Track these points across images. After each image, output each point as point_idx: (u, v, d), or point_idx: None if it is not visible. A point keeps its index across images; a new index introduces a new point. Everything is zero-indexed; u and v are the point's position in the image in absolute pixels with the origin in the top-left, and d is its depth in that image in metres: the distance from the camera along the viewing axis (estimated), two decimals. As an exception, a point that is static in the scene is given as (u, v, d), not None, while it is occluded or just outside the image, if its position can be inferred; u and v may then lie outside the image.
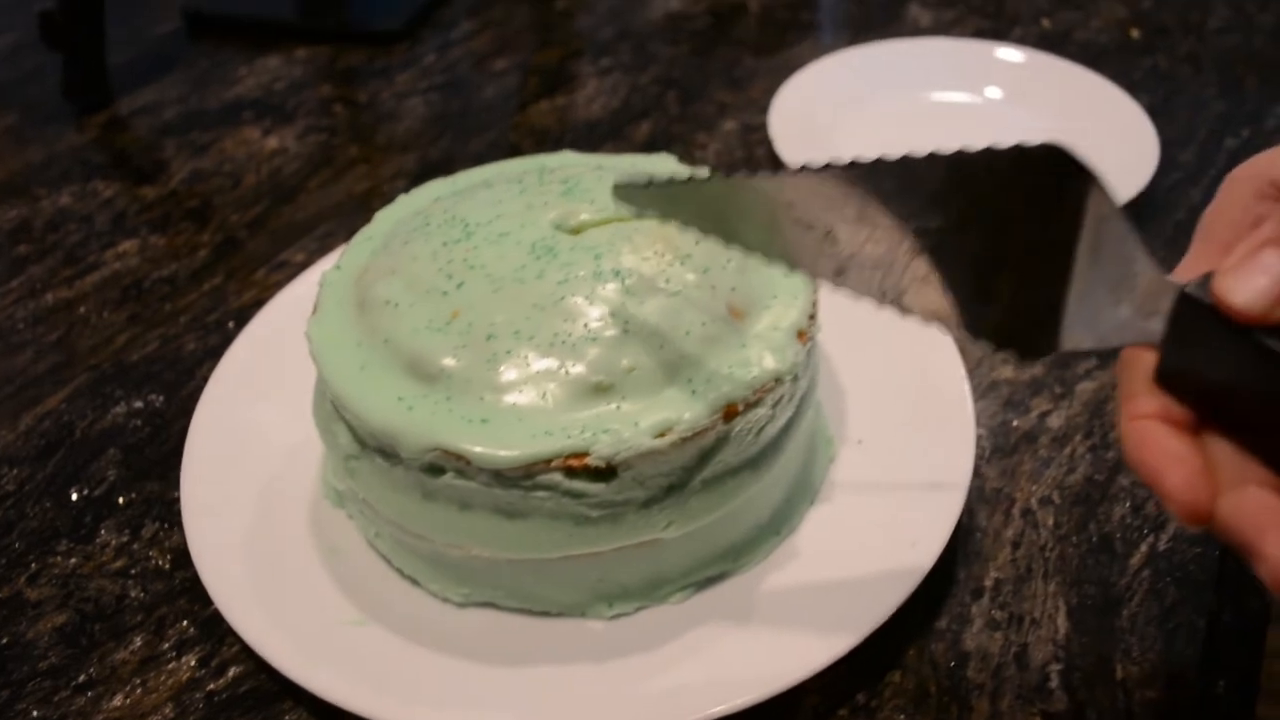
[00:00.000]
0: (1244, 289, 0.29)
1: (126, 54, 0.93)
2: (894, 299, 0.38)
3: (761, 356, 0.45)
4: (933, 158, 0.35)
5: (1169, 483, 0.30)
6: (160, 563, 0.52)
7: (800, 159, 0.72)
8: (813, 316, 0.48)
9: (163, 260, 0.71)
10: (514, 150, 0.80)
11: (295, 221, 0.74)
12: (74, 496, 0.55)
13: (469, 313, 0.45)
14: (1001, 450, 0.55)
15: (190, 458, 0.53)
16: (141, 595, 0.50)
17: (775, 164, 0.76)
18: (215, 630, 0.49)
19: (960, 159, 0.35)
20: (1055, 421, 0.56)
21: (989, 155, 0.34)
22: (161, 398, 0.61)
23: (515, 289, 0.46)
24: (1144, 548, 0.50)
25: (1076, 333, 0.35)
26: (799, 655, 0.44)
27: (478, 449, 0.42)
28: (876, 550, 0.47)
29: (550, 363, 0.44)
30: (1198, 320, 0.31)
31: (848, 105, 0.80)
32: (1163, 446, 0.31)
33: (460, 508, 0.45)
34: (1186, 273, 0.33)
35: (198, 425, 0.55)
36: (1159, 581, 0.48)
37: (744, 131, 0.81)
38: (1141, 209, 0.69)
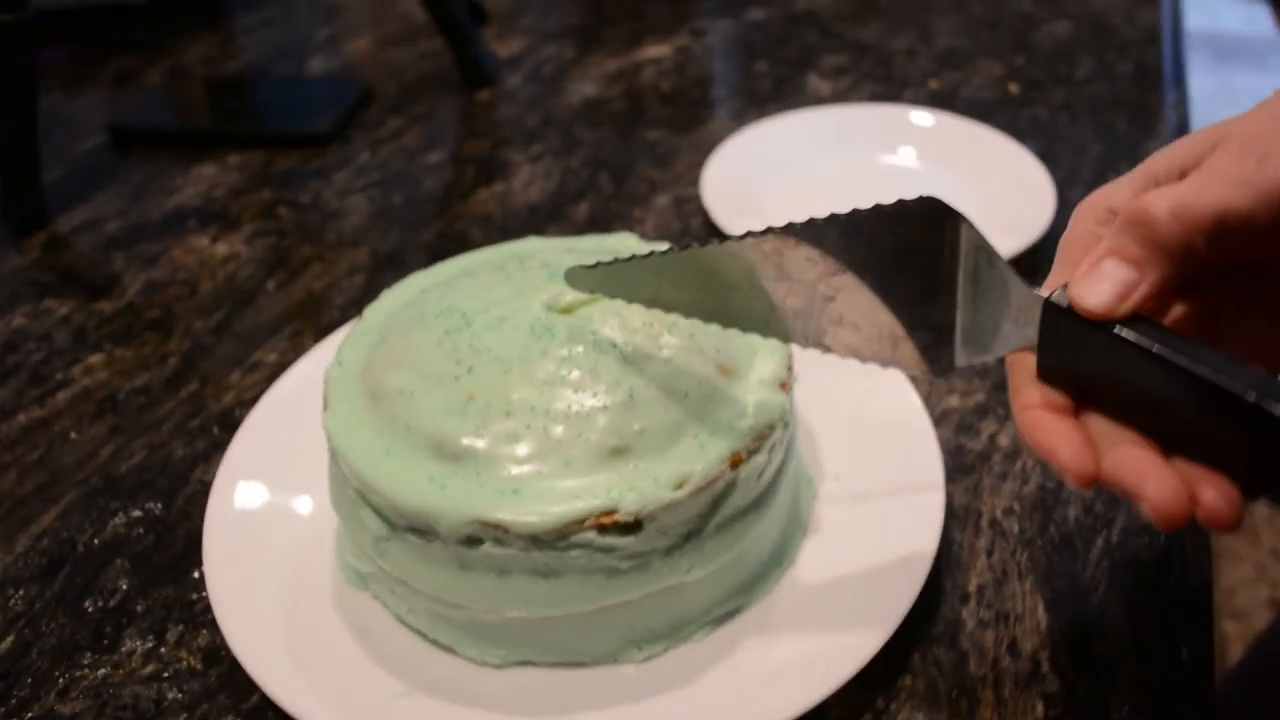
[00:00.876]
0: (1092, 293, 0.37)
1: (56, 172, 0.94)
2: (815, 340, 0.46)
3: (754, 408, 0.50)
4: (833, 218, 0.43)
5: (1061, 456, 0.38)
6: (191, 663, 0.53)
7: (735, 224, 0.78)
8: (790, 368, 0.54)
9: (133, 371, 0.72)
10: (463, 238, 0.84)
11: (260, 323, 0.76)
12: (89, 609, 0.56)
13: (484, 394, 0.49)
14: (962, 470, 0.61)
15: (210, 559, 0.55)
16: (179, 696, 0.52)
17: (711, 232, 0.82)
18: (261, 721, 0.51)
19: (855, 216, 0.43)
20: (1004, 440, 0.63)
21: (878, 211, 0.42)
22: (159, 505, 0.62)
23: (523, 368, 0.50)
24: (1100, 542, 0.56)
25: (968, 349, 0.43)
26: (820, 673, 0.48)
27: (515, 517, 0.46)
28: (872, 570, 0.52)
29: (568, 433, 0.48)
30: (1062, 323, 0.39)
31: (774, 171, 0.87)
32: (1050, 429, 0.39)
33: (498, 574, 0.48)
34: (1049, 288, 0.40)
35: (212, 528, 0.56)
36: (1117, 571, 0.55)
37: (677, 204, 0.87)
38: (1045, 246, 0.77)
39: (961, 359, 0.43)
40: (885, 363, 0.45)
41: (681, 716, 0.48)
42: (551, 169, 0.93)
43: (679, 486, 0.47)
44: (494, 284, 0.56)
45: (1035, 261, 0.76)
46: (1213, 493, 0.36)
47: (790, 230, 0.44)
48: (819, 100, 1.01)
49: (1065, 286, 0.39)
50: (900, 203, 0.41)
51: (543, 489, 0.47)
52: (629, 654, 0.51)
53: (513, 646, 0.51)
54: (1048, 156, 0.86)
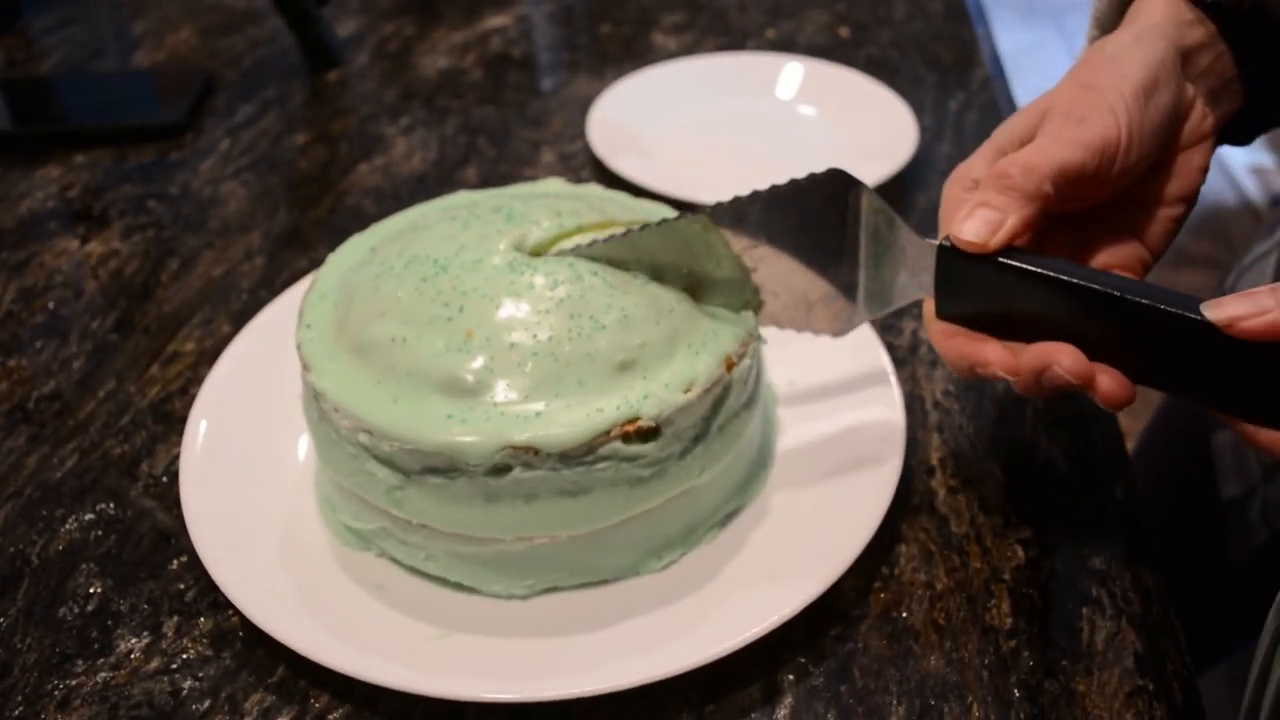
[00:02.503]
0: (968, 229, 0.45)
1: (-126, 191, 0.86)
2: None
3: (733, 322, 0.54)
4: (755, 195, 0.51)
5: (989, 356, 0.46)
6: (199, 650, 0.52)
7: (625, 167, 0.81)
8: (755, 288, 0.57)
9: (36, 379, 0.68)
10: (358, 211, 0.83)
11: (165, 315, 0.73)
12: (66, 617, 0.53)
13: (482, 329, 0.50)
14: (895, 364, 0.66)
15: (202, 543, 0.53)
16: (196, 684, 0.50)
17: (603, 180, 0.84)
18: (294, 691, 0.50)
19: (774, 191, 0.50)
20: (925, 334, 0.69)
21: (793, 185, 0.50)
22: (112, 505, 0.59)
23: (514, 302, 0.51)
24: (1029, 410, 0.63)
25: (870, 305, 0.51)
26: (831, 553, 0.52)
27: (545, 436, 0.47)
28: (848, 457, 0.57)
29: (575, 354, 0.49)
30: (954, 264, 0.46)
31: (654, 119, 0.91)
32: (975, 345, 0.47)
33: (526, 500, 0.49)
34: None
35: (193, 513, 0.54)
36: (1049, 430, 0.61)
37: (563, 160, 0.89)
38: (913, 170, 0.84)
39: (863, 315, 0.51)
40: (800, 327, 0.54)
41: (711, 613, 0.51)
42: (427, 139, 0.92)
43: (688, 389, 0.50)
44: (454, 231, 0.56)
45: (903, 189, 0.83)
46: (1105, 379, 0.43)
47: (718, 209, 0.51)
48: (669, 55, 1.05)
49: (948, 236, 0.46)
50: (811, 176, 0.49)
51: (564, 408, 0.48)
52: (649, 564, 0.53)
53: (539, 574, 0.52)
54: (892, 88, 0.93)
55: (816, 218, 0.50)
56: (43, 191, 0.86)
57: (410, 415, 0.49)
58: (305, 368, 0.52)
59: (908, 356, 0.67)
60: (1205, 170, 0.51)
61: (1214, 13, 0.51)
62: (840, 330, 0.53)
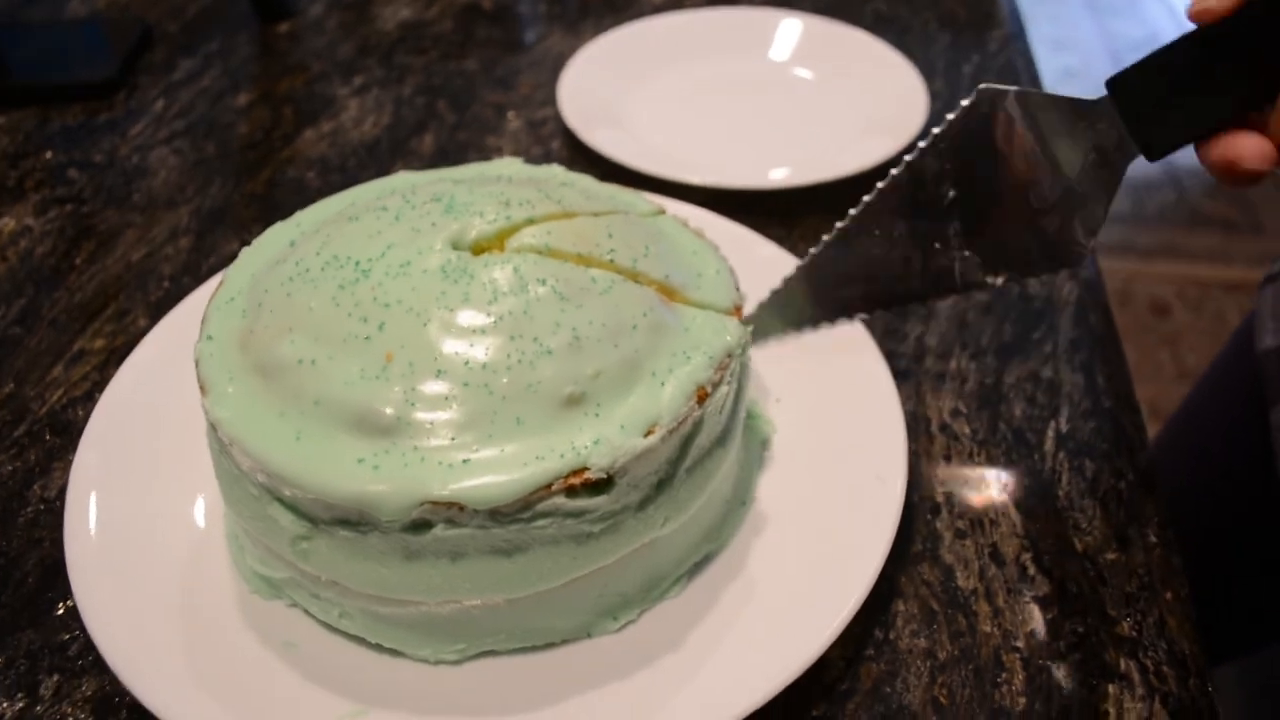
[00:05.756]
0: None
1: None
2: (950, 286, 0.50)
3: (710, 336, 0.45)
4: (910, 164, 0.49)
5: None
6: (80, 717, 0.44)
7: (598, 140, 0.72)
8: (738, 288, 0.49)
9: (-77, 381, 0.60)
10: (299, 185, 0.74)
11: (75, 305, 0.64)
12: (-73, 676, 0.46)
13: (404, 352, 0.42)
14: (897, 376, 0.58)
15: (81, 588, 0.45)
16: (68, 762, 0.43)
17: (575, 152, 0.76)
18: (180, 773, 0.42)
19: (932, 146, 0.49)
20: (931, 340, 0.60)
21: (937, 138, 0.48)
22: (-7, 535, 0.52)
23: (445, 316, 0.43)
24: (1050, 432, 0.55)
25: (1087, 212, 0.45)
26: (816, 615, 0.44)
27: (470, 492, 0.39)
28: (842, 494, 0.49)
29: (513, 386, 0.41)
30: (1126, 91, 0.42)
31: (631, 83, 0.81)
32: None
33: (452, 560, 0.41)
34: None
35: (75, 551, 0.47)
36: (1074, 459, 0.53)
37: (531, 127, 0.80)
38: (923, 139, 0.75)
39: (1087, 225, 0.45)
40: (1024, 274, 0.48)
41: (671, 687, 0.43)
42: (382, 101, 0.83)
43: (649, 432, 0.42)
44: (382, 225, 0.48)
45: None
46: None
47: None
48: (654, 9, 0.95)
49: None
50: (958, 112, 0.47)
51: (496, 455, 0.40)
52: (602, 625, 0.46)
53: (471, 638, 0.44)
54: (900, 49, 0.84)
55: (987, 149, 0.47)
56: (-46, 158, 0.78)
57: (314, 457, 0.41)
58: (201, 390, 0.44)
59: (912, 367, 0.59)
60: None
61: None
62: (1076, 259, 0.45)
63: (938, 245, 0.49)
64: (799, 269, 0.53)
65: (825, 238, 0.52)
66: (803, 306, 0.54)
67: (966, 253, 0.49)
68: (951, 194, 0.49)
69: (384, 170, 0.75)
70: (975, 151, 0.47)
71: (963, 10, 0.94)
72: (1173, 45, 0.41)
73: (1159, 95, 0.41)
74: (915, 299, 0.51)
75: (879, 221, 0.50)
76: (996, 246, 0.48)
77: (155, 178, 0.75)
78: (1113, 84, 0.42)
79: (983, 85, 0.46)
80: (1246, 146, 0.38)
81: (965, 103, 0.47)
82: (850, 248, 0.51)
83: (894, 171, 0.49)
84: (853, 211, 0.50)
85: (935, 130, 0.48)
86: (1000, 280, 0.48)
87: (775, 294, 0.55)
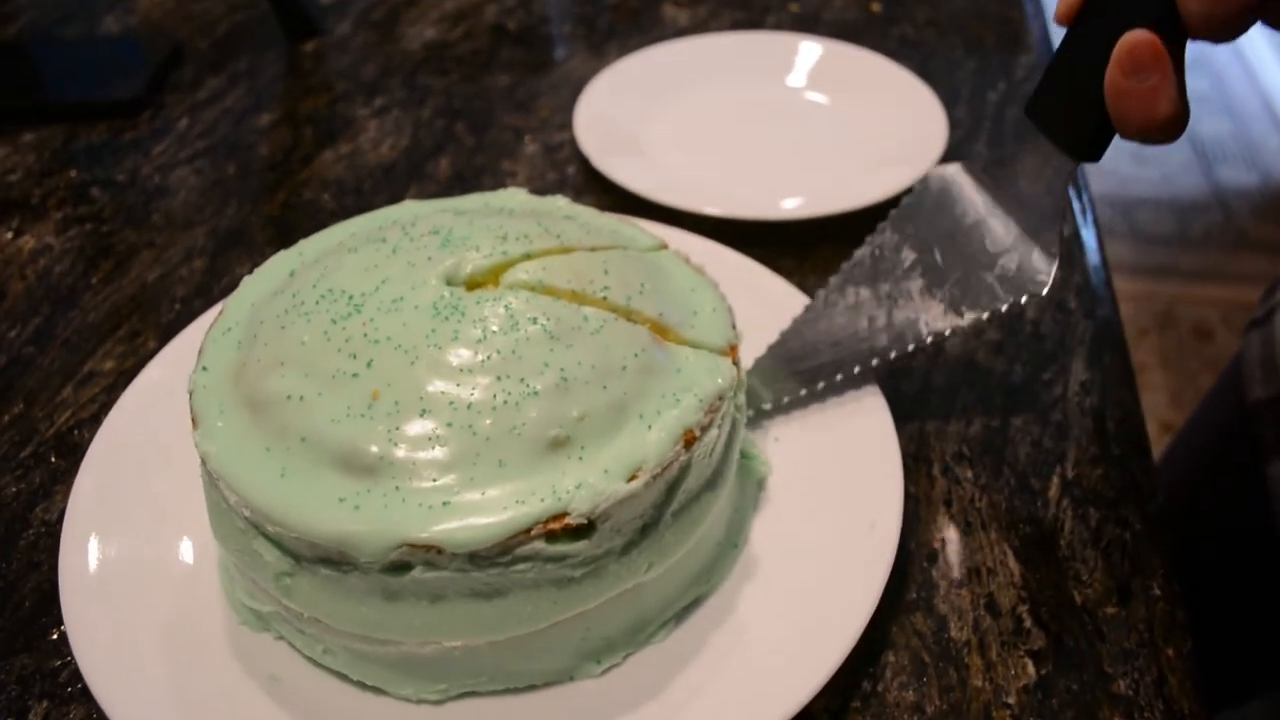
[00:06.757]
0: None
1: None
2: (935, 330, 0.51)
3: (702, 377, 0.45)
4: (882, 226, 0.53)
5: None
6: (64, 747, 0.45)
7: (614, 169, 0.72)
8: (734, 326, 0.48)
9: (-63, 398, 0.61)
10: (314, 207, 0.74)
11: (89, 325, 0.65)
12: (-79, 698, 0.47)
13: (391, 391, 0.42)
14: (901, 416, 0.57)
15: (72, 615, 0.46)
16: (52, 790, 0.43)
17: (590, 179, 0.75)
18: (160, 805, 0.42)
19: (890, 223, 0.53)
20: (939, 378, 0.59)
21: (894, 217, 0.52)
22: (-6, 557, 0.52)
23: (433, 355, 0.43)
24: (1055, 479, 0.53)
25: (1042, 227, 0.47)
26: (802, 665, 0.43)
27: (449, 535, 0.39)
28: (835, 541, 0.48)
29: (497, 428, 0.41)
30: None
31: (649, 109, 0.81)
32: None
33: (431, 602, 0.41)
34: None
35: (69, 577, 0.47)
36: (1078, 507, 0.52)
37: (548, 152, 0.80)
38: (940, 168, 0.74)
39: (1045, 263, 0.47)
40: (989, 310, 0.49)
41: (658, 730, 0.43)
42: (401, 122, 0.84)
43: (633, 477, 0.41)
44: (379, 258, 0.48)
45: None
46: None
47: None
48: (679, 31, 0.95)
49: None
50: (908, 196, 0.52)
51: (477, 498, 0.40)
52: (585, 669, 0.45)
53: (453, 679, 0.44)
54: (923, 75, 0.83)
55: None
56: (-18, 174, 0.79)
57: (297, 494, 0.41)
58: (193, 422, 0.44)
59: (916, 407, 0.58)
60: None
61: None
62: (1039, 289, 0.47)
63: (900, 302, 0.51)
64: (768, 350, 0.55)
65: (793, 318, 0.54)
66: (775, 382, 0.55)
67: (930, 302, 0.50)
68: (911, 257, 0.51)
69: (399, 194, 0.75)
70: (929, 219, 0.51)
71: (990, 36, 0.93)
72: (1059, 54, 0.44)
73: (1066, 102, 0.44)
74: (881, 356, 0.51)
75: (843, 295, 0.53)
76: (959, 292, 0.49)
77: (175, 198, 0.76)
78: (1029, 110, 0.46)
79: (932, 169, 0.51)
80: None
81: (916, 185, 0.52)
82: (815, 324, 0.54)
83: (856, 251, 0.52)
84: (820, 291, 0.54)
85: (891, 211, 0.52)
86: (965, 322, 0.49)
87: (749, 373, 0.55)
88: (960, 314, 0.49)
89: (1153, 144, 0.41)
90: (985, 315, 0.49)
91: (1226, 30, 0.38)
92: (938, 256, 0.50)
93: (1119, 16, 0.40)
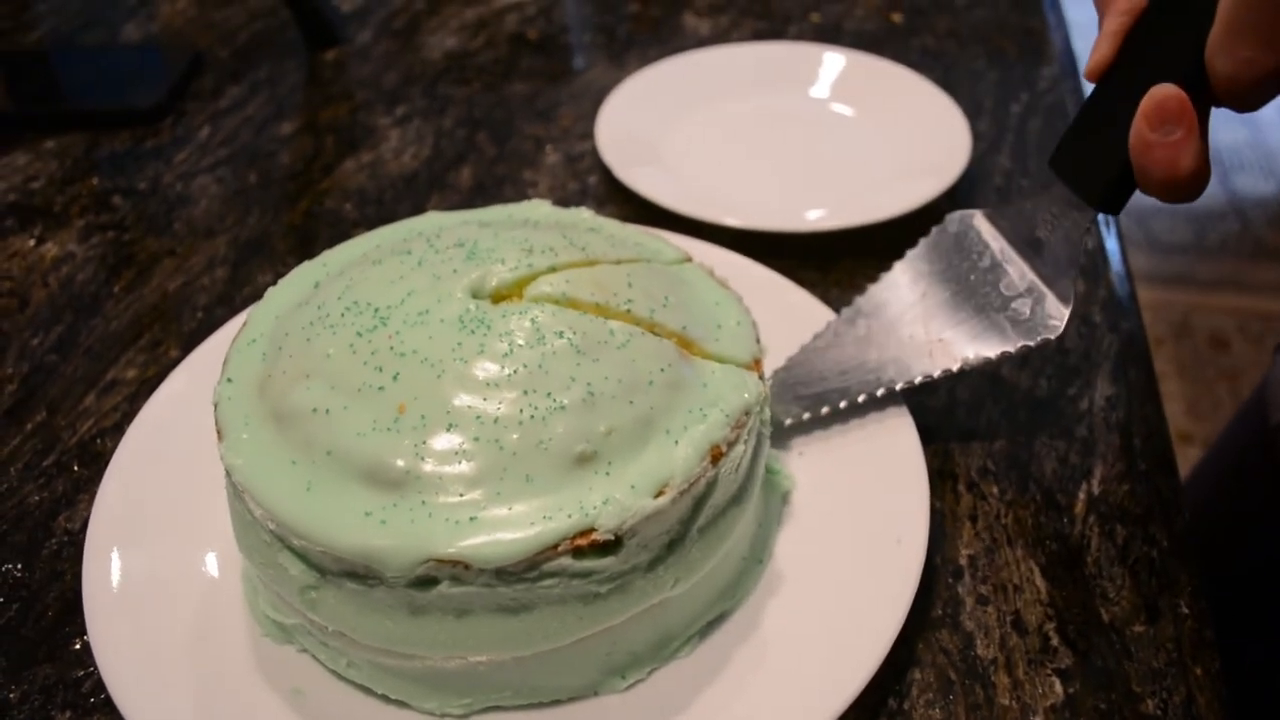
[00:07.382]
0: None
1: None
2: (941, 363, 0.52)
3: (728, 392, 0.45)
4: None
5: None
6: (86, 758, 0.45)
7: (636, 179, 0.72)
8: (758, 340, 0.48)
9: (-39, 406, 0.61)
10: (335, 216, 0.74)
11: (111, 333, 0.65)
12: (-54, 707, 0.47)
13: (417, 404, 0.42)
14: (926, 432, 0.56)
15: (96, 626, 0.46)
16: (76, 802, 0.43)
17: (611, 189, 0.75)
18: (183, 818, 0.42)
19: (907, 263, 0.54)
20: (963, 393, 0.59)
21: (912, 257, 0.54)
22: (19, 565, 0.52)
23: (460, 369, 0.43)
24: (1082, 495, 0.53)
25: (1058, 295, 0.48)
26: (828, 682, 0.43)
27: (475, 551, 0.39)
28: (862, 555, 0.48)
29: (524, 442, 0.41)
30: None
31: (671, 119, 0.81)
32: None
33: (457, 617, 0.41)
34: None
35: (92, 587, 0.47)
36: (1105, 524, 0.52)
37: (569, 162, 0.80)
38: (964, 187, 0.74)
39: (1058, 310, 0.48)
40: (998, 353, 0.49)
41: (681, 746, 0.43)
42: (423, 132, 0.84)
43: (660, 493, 0.41)
44: (405, 270, 0.48)
45: (955, 203, 0.73)
46: None
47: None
48: (700, 41, 0.95)
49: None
50: (927, 237, 0.54)
51: (504, 513, 0.40)
52: (610, 684, 0.45)
53: (477, 694, 0.44)
54: (945, 86, 0.83)
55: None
56: (6, 182, 0.79)
57: (323, 509, 0.41)
58: (218, 434, 0.44)
59: (941, 422, 0.57)
60: None
61: None
62: (1051, 334, 0.48)
63: (910, 337, 0.52)
64: (773, 374, 0.56)
65: (803, 345, 0.56)
66: (778, 404, 0.55)
67: (941, 340, 0.51)
68: (924, 295, 0.52)
69: (420, 204, 0.75)
70: (946, 259, 0.53)
71: (1013, 47, 0.92)
72: (1086, 107, 0.45)
73: (1091, 153, 0.45)
74: (888, 387, 0.52)
75: (853, 326, 0.54)
76: (970, 333, 0.50)
77: (196, 206, 0.76)
78: (1054, 162, 0.47)
79: (952, 212, 0.53)
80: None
81: (936, 227, 0.53)
82: (824, 354, 0.54)
83: (870, 286, 0.54)
84: (829, 320, 0.56)
85: (908, 251, 0.54)
86: (976, 362, 0.50)
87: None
88: (971, 354, 0.50)
89: (1172, 201, 0.41)
90: (995, 356, 0.49)
91: (1252, 95, 0.38)
92: (951, 296, 0.51)
93: (1148, 74, 0.40)
